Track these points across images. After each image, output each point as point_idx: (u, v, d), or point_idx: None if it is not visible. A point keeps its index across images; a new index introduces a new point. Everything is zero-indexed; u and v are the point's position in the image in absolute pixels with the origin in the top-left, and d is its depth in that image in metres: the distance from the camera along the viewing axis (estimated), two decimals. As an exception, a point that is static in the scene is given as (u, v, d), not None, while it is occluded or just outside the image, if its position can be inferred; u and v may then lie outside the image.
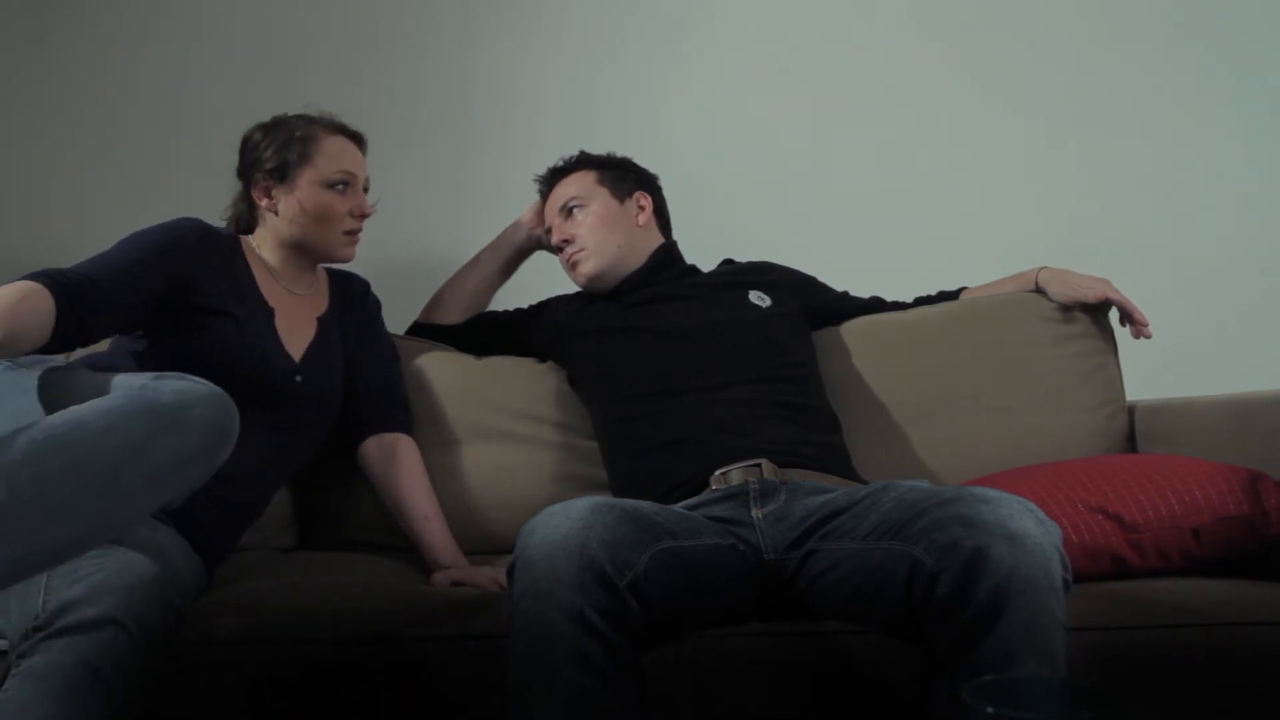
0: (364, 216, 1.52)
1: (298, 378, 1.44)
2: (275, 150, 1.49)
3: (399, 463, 1.54)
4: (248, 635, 1.13)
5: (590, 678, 0.95)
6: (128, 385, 1.05)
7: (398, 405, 1.61)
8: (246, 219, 1.55)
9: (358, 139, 1.55)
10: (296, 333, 1.49)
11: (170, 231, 1.39)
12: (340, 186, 1.49)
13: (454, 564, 1.44)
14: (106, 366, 1.31)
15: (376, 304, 1.67)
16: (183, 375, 1.07)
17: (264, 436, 1.39)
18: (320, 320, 1.54)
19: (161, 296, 1.33)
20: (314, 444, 1.53)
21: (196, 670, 1.11)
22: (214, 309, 1.38)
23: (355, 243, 1.53)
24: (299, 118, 1.52)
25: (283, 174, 1.48)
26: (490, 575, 1.38)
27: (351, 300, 1.62)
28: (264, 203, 1.50)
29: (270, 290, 1.49)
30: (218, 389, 1.06)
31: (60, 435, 0.96)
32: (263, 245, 1.52)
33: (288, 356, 1.45)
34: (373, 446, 1.56)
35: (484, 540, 1.57)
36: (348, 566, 1.49)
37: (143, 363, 1.34)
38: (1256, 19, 2.11)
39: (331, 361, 1.52)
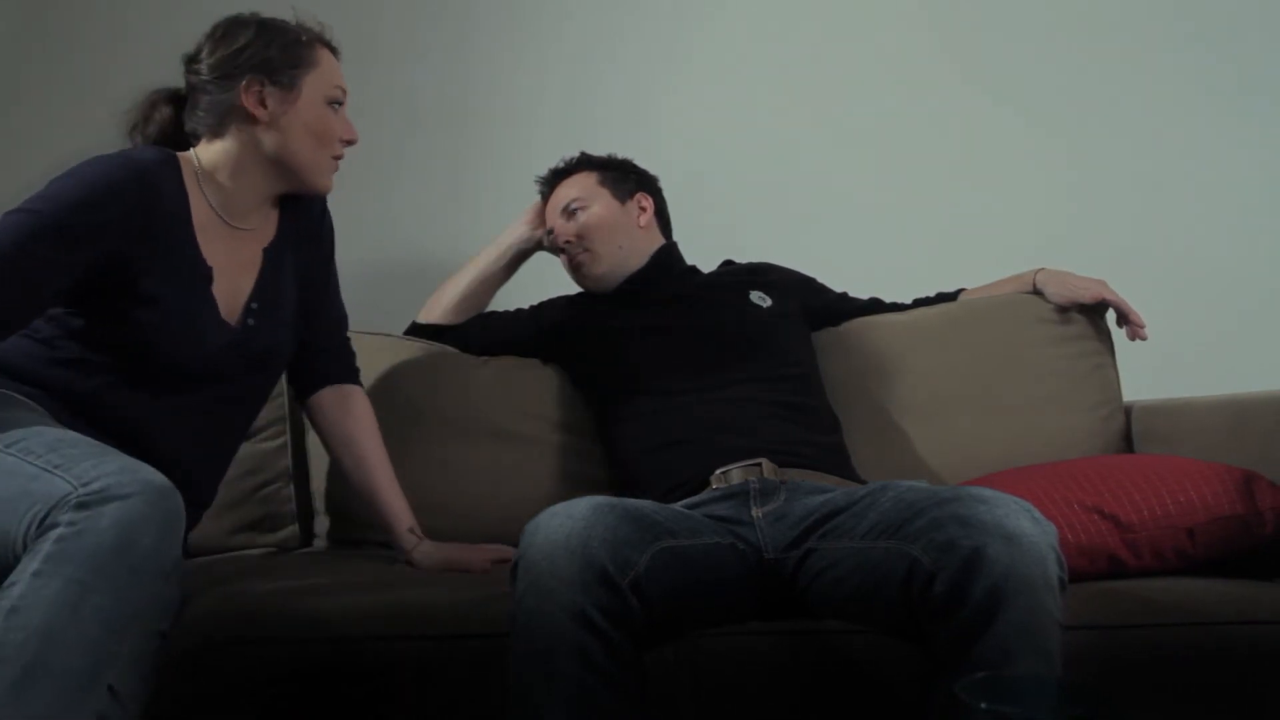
0: (351, 142, 1.35)
1: (236, 348, 1.28)
2: (279, 50, 1.28)
3: (357, 419, 1.47)
4: (248, 636, 1.13)
5: (592, 676, 0.96)
6: (34, 504, 0.92)
7: (351, 354, 1.52)
8: (195, 129, 1.30)
9: (338, 55, 1.38)
10: (238, 281, 1.30)
11: (101, 199, 1.15)
12: (336, 105, 1.33)
13: (420, 537, 1.43)
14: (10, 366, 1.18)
15: (332, 229, 1.47)
16: (98, 478, 0.93)
17: (207, 419, 1.27)
18: (266, 253, 1.34)
19: (69, 288, 1.15)
20: (263, 403, 1.41)
21: (196, 671, 1.11)
22: (139, 295, 1.18)
23: (335, 171, 1.36)
24: (288, 22, 1.33)
25: (290, 81, 1.28)
26: (480, 558, 1.40)
27: (308, 220, 1.41)
28: (258, 111, 1.27)
29: (212, 237, 1.27)
30: (148, 484, 0.95)
31: (32, 658, 0.87)
32: (221, 167, 1.29)
33: (223, 326, 1.26)
34: (327, 397, 1.47)
35: (486, 539, 1.57)
36: (348, 565, 1.50)
37: (59, 363, 1.18)
38: (1255, 21, 2.12)
39: (279, 307, 1.34)
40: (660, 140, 1.95)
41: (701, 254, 1.75)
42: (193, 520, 1.31)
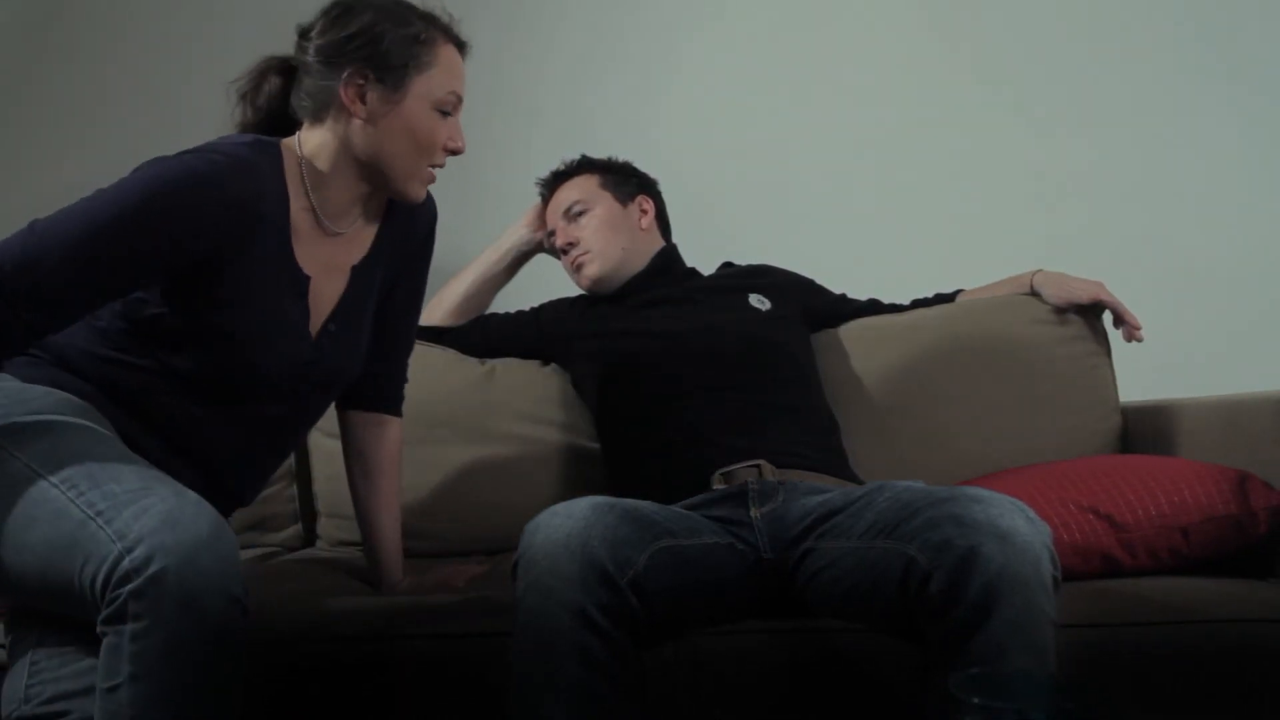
0: (456, 152, 1.24)
1: (307, 365, 1.20)
2: (392, 44, 1.16)
3: (387, 450, 1.41)
4: (259, 638, 1.14)
5: (592, 673, 0.97)
6: (86, 560, 0.90)
7: (403, 382, 1.45)
8: (298, 111, 1.21)
9: (464, 52, 1.26)
10: (324, 292, 1.21)
11: (193, 194, 1.05)
12: (447, 111, 1.21)
13: (405, 575, 1.42)
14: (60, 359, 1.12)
15: (433, 241, 1.38)
16: (140, 540, 0.90)
17: (258, 433, 1.22)
18: (354, 270, 1.25)
19: (143, 280, 1.08)
20: (316, 420, 1.35)
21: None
22: (222, 298, 1.10)
23: (432, 181, 1.25)
24: (415, 11, 1.20)
25: (397, 81, 1.16)
26: (465, 572, 1.42)
27: (412, 231, 1.32)
28: (355, 106, 1.16)
29: (306, 242, 1.18)
30: (190, 542, 0.91)
31: None
32: (319, 158, 1.19)
33: (304, 339, 1.19)
34: (364, 419, 1.40)
35: (488, 539, 1.60)
36: (350, 566, 1.51)
37: (113, 362, 1.12)
38: (1253, 25, 2.12)
39: (358, 331, 1.26)
40: (660, 143, 1.96)
41: (701, 256, 1.76)
42: (224, 512, 1.27)
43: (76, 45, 2.13)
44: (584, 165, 1.74)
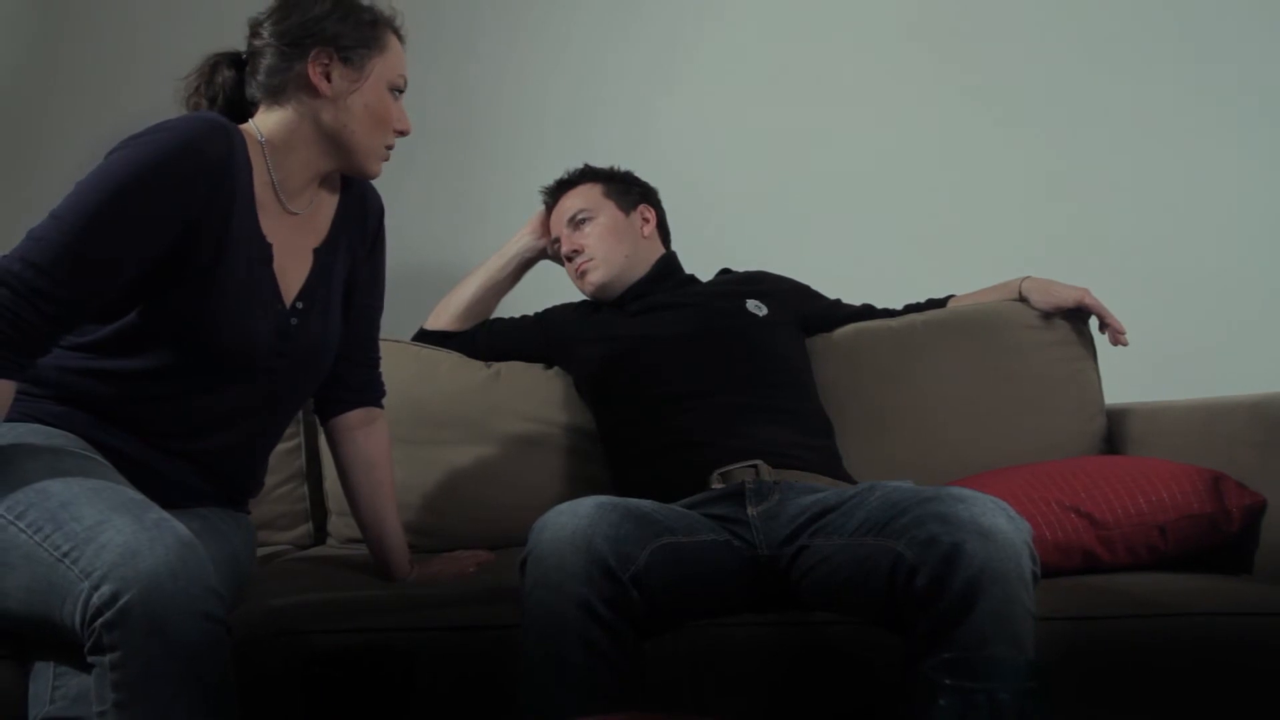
0: (404, 133, 1.32)
1: (283, 338, 1.23)
2: (352, 27, 1.25)
3: (379, 443, 1.44)
4: (283, 630, 1.18)
5: (595, 661, 1.02)
6: (64, 601, 0.93)
7: (380, 374, 1.47)
8: (254, 96, 1.26)
9: (403, 43, 1.34)
10: (289, 271, 1.25)
11: (180, 153, 1.09)
12: (397, 94, 1.30)
13: (415, 566, 1.46)
14: None
15: (384, 242, 1.42)
16: (105, 577, 0.93)
17: (250, 416, 1.24)
18: (317, 253, 1.29)
19: (150, 259, 1.10)
20: (300, 406, 1.37)
21: (238, 664, 1.15)
22: (198, 266, 1.13)
23: (387, 159, 1.32)
24: (364, 2, 1.29)
25: (359, 60, 1.25)
26: (466, 564, 1.46)
27: (364, 223, 1.37)
28: (322, 84, 1.23)
29: (270, 216, 1.23)
30: (148, 571, 0.93)
31: None
32: (277, 137, 1.24)
33: (273, 309, 1.22)
34: (357, 419, 1.43)
35: (496, 537, 1.63)
36: (362, 564, 1.54)
37: (89, 372, 1.14)
38: (1240, 28, 2.15)
39: (328, 309, 1.30)
40: (660, 153, 2.00)
41: (699, 263, 1.80)
42: (233, 503, 1.32)
43: (76, 43, 2.14)
44: (587, 174, 1.78)
